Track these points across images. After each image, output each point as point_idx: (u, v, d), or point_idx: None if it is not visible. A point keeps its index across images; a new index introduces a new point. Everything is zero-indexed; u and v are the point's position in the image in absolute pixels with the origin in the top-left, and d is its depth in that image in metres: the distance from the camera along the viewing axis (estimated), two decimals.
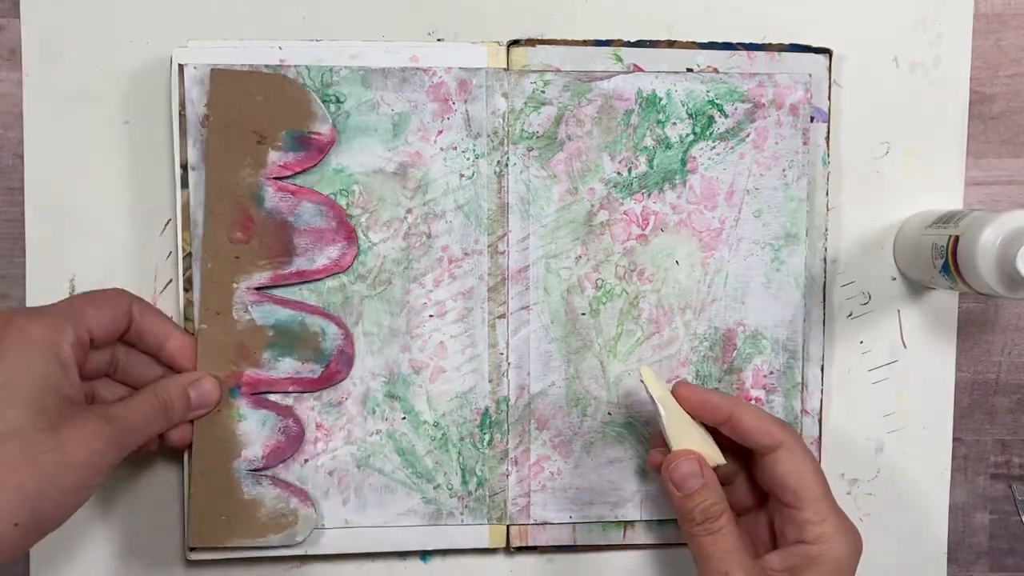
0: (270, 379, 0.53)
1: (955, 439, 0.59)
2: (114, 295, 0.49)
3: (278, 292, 0.53)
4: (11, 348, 0.43)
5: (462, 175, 0.54)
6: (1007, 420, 0.59)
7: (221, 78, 0.51)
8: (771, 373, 0.56)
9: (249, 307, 0.53)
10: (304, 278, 0.53)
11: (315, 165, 0.52)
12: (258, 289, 0.53)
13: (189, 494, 0.53)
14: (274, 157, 0.52)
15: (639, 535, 0.56)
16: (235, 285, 0.52)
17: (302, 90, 0.52)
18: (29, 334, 0.44)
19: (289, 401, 0.54)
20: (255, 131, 0.52)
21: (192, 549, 0.53)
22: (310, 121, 0.52)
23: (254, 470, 0.53)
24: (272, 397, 0.53)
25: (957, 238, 0.50)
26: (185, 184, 0.52)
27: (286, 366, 0.53)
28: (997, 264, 0.48)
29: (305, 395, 0.54)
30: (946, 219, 0.52)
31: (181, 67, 0.52)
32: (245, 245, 0.52)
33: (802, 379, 0.56)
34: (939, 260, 0.51)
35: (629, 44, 0.54)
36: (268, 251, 0.52)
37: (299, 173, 0.52)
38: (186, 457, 0.53)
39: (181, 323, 0.53)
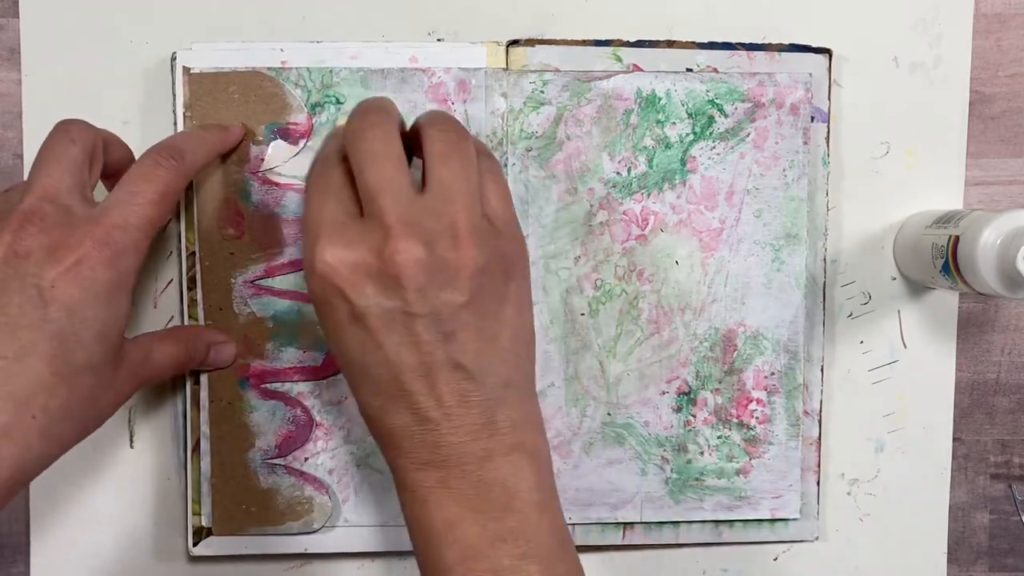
0: (275, 370, 0.54)
1: (955, 439, 0.59)
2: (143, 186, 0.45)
3: (275, 283, 0.53)
4: (104, 279, 0.42)
5: None
6: (1007, 420, 0.59)
7: (198, 81, 0.52)
8: (772, 374, 0.56)
9: (248, 300, 0.53)
10: (297, 267, 0.53)
11: (296, 154, 0.53)
12: (254, 282, 0.53)
13: (209, 485, 0.53)
14: (256, 151, 0.53)
15: (638, 536, 0.56)
16: (232, 280, 0.53)
17: (276, 83, 0.52)
18: (121, 272, 0.43)
19: (295, 391, 0.54)
20: None
21: (196, 544, 0.54)
22: (287, 112, 0.53)
23: (269, 460, 0.54)
24: (279, 388, 0.54)
25: (957, 238, 0.50)
26: (188, 184, 0.52)
27: (289, 356, 0.54)
28: (997, 264, 0.48)
29: (307, 392, 0.54)
30: (946, 219, 0.52)
31: (186, 69, 0.52)
32: (238, 240, 0.53)
33: (803, 380, 0.56)
34: (939, 260, 0.51)
35: (628, 44, 0.54)
36: (260, 244, 0.53)
37: (282, 164, 0.53)
38: (189, 451, 0.53)
39: (185, 322, 0.53)
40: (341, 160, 0.44)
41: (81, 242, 0.42)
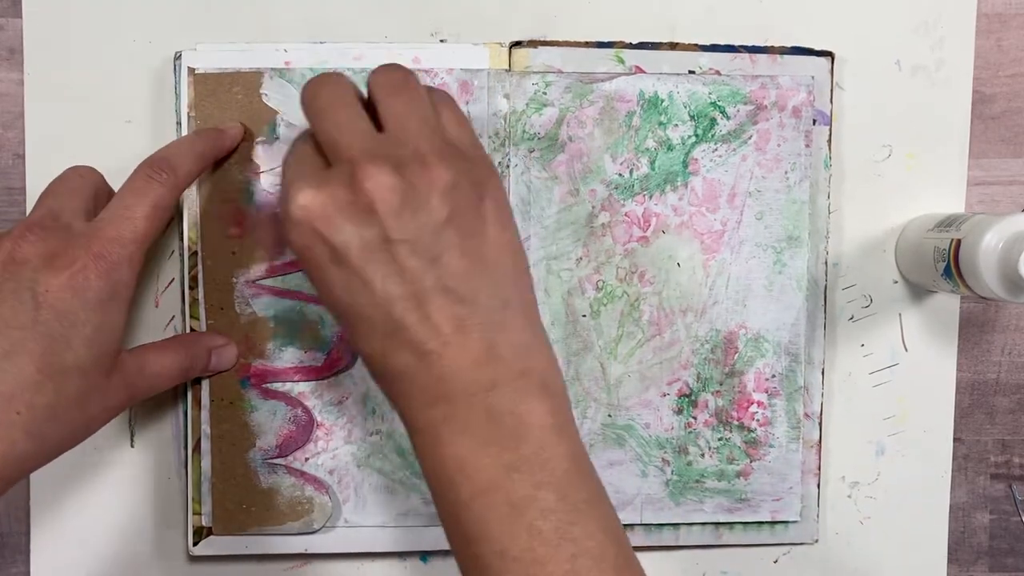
0: (276, 369, 0.54)
1: (955, 439, 0.59)
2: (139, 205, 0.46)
3: (277, 283, 0.53)
4: (98, 288, 0.43)
5: None
6: (1007, 420, 0.59)
7: (202, 81, 0.52)
8: (773, 376, 0.56)
9: (250, 300, 0.53)
10: (299, 267, 0.53)
11: None
12: (256, 282, 0.53)
13: (210, 485, 0.53)
14: (259, 151, 0.53)
15: (638, 538, 0.56)
16: (234, 280, 0.53)
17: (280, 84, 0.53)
18: (115, 283, 0.44)
19: (296, 391, 0.54)
20: None
21: (196, 544, 0.54)
22: (290, 113, 0.53)
23: (269, 460, 0.54)
24: (280, 387, 0.54)
25: (959, 242, 0.50)
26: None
27: (290, 356, 0.54)
28: (999, 268, 0.48)
29: (308, 392, 0.54)
30: (948, 222, 0.52)
31: (191, 69, 0.52)
32: (240, 240, 0.53)
33: (804, 382, 0.56)
34: (941, 264, 0.51)
35: (631, 46, 0.54)
36: (262, 244, 0.53)
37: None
38: (190, 451, 0.54)
39: (186, 321, 0.53)
40: (310, 138, 0.43)
41: (78, 254, 0.43)
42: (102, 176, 0.49)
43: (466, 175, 0.41)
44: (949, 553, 0.59)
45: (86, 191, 0.47)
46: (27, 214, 0.54)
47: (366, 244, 0.39)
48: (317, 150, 0.42)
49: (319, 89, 0.42)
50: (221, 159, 0.52)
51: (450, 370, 0.40)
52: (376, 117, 0.42)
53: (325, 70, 0.52)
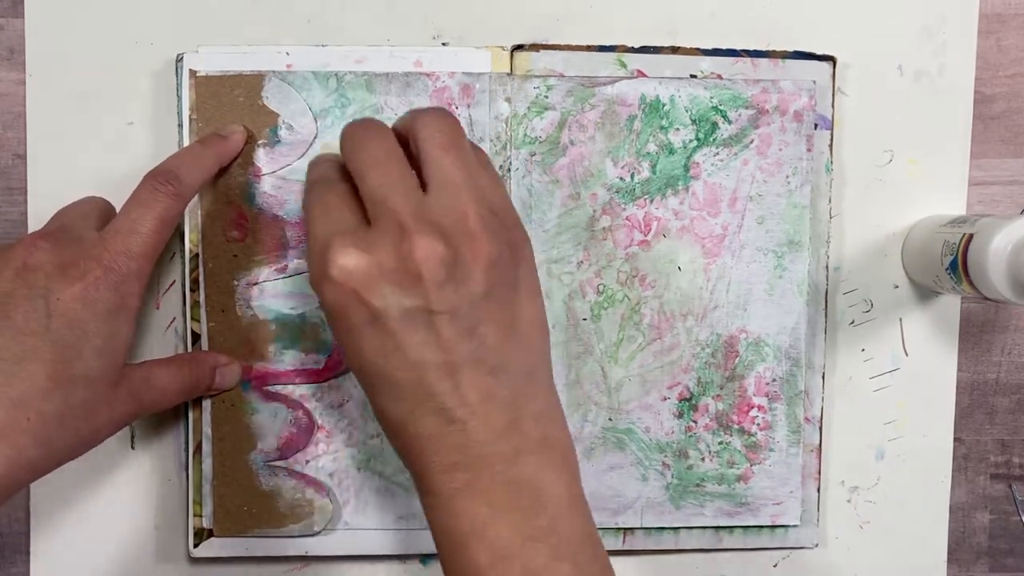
0: (277, 372, 0.54)
1: (955, 439, 0.59)
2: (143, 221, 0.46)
3: (278, 286, 0.53)
4: (107, 300, 0.44)
5: None
6: (1007, 420, 0.59)
7: (204, 84, 0.52)
8: (774, 380, 0.56)
9: (251, 302, 0.53)
10: (300, 269, 0.53)
11: (301, 156, 0.53)
12: (257, 284, 0.53)
13: (211, 487, 0.54)
14: (260, 154, 0.53)
15: (638, 542, 0.56)
16: (235, 282, 0.53)
17: (282, 86, 0.53)
18: (124, 295, 0.45)
19: (297, 393, 0.54)
20: None
21: (197, 546, 0.54)
22: (291, 116, 0.53)
23: (270, 462, 0.54)
24: (281, 390, 0.54)
25: (971, 236, 0.49)
26: None
27: (291, 358, 0.54)
28: (1008, 269, 0.48)
29: (309, 395, 0.54)
30: (962, 220, 0.52)
31: (192, 72, 0.52)
32: (241, 243, 0.53)
33: (804, 386, 0.56)
34: (948, 257, 0.51)
35: (633, 50, 0.54)
36: (263, 246, 0.53)
37: (286, 166, 0.53)
38: (191, 452, 0.54)
39: (187, 323, 0.53)
40: (339, 178, 0.44)
41: (90, 265, 0.44)
42: (111, 205, 0.50)
43: (507, 246, 0.41)
44: (949, 553, 0.59)
45: (95, 212, 0.48)
46: (28, 216, 0.54)
47: (406, 312, 0.39)
48: (349, 196, 0.42)
49: (366, 140, 0.42)
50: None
51: (474, 438, 0.41)
52: (415, 164, 0.42)
53: (327, 72, 0.52)
